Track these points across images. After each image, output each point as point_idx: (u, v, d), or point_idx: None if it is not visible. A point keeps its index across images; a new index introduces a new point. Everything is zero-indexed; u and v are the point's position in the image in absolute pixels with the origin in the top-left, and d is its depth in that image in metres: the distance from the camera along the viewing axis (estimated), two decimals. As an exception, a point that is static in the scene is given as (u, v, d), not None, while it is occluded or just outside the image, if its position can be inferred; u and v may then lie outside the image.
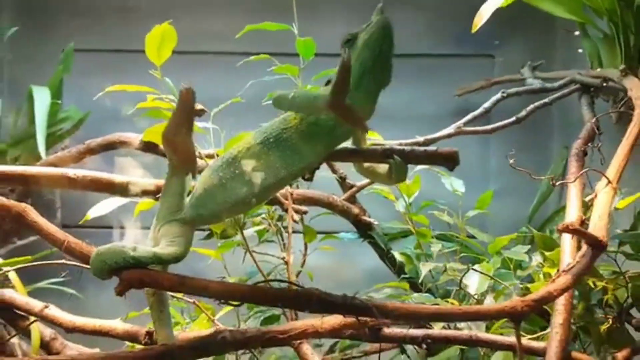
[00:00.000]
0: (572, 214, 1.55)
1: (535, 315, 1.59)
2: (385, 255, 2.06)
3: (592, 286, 1.54)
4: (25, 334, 1.80)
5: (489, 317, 1.23)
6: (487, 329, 1.49)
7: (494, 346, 1.39)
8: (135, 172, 2.26)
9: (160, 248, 1.14)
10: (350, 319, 1.19)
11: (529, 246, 1.80)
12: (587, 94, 2.09)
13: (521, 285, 1.64)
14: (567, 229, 1.28)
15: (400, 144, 1.12)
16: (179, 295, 1.53)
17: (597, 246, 1.30)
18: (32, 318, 1.70)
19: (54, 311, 1.62)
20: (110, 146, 2.12)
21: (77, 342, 1.85)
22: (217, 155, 1.64)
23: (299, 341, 1.36)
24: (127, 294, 1.91)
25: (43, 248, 1.93)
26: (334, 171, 1.97)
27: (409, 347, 1.64)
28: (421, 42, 2.71)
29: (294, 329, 1.21)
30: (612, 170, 1.51)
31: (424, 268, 1.63)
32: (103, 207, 1.57)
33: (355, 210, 1.96)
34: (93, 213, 1.57)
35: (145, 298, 1.26)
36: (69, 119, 2.57)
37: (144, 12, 2.71)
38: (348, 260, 2.49)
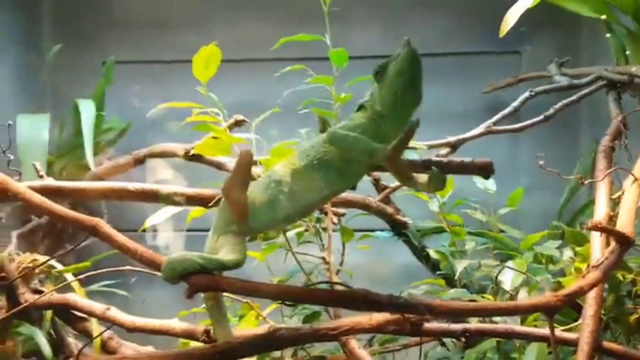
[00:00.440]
0: (601, 211, 1.65)
1: (568, 308, 1.70)
2: (419, 253, 2.17)
3: (622, 279, 1.64)
4: (82, 334, 1.96)
5: (525, 312, 1.34)
6: (522, 322, 1.60)
7: (529, 338, 1.50)
8: (165, 173, 2.42)
9: (223, 256, 1.28)
10: (395, 316, 1.31)
11: (560, 241, 1.90)
12: (614, 90, 2.16)
13: (553, 280, 1.74)
14: (595, 227, 1.39)
15: (439, 155, 1.22)
16: (232, 295, 1.66)
17: (625, 242, 1.41)
18: (91, 319, 1.85)
19: (115, 313, 1.76)
20: (155, 156, 2.26)
21: (133, 341, 2.01)
22: (260, 164, 1.77)
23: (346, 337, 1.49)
24: (171, 296, 2.06)
25: (94, 251, 2.09)
26: (368, 174, 2.08)
27: (448, 340, 1.76)
28: (449, 41, 2.80)
29: (343, 326, 1.34)
30: (639, 168, 1.60)
31: (460, 265, 1.75)
32: (159, 215, 1.71)
33: (390, 210, 2.07)
34: (151, 221, 1.72)
35: (204, 301, 1.37)
36: (112, 130, 2.72)
37: (179, 23, 2.86)
38: (384, 258, 2.60)
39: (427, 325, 1.46)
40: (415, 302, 1.16)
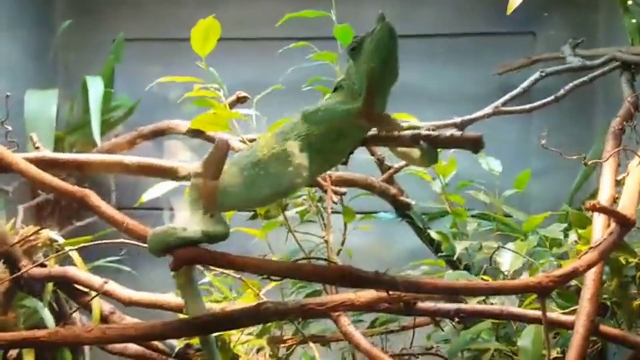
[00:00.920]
0: (605, 193, 1.62)
1: (572, 292, 1.66)
2: (423, 234, 2.15)
3: (625, 263, 1.60)
4: (86, 308, 1.98)
5: (514, 292, 1.31)
6: (520, 305, 1.57)
7: (525, 320, 1.47)
8: (184, 154, 2.42)
9: (207, 228, 1.27)
10: (384, 294, 1.30)
11: (565, 224, 1.86)
12: (628, 72, 2.11)
13: (556, 263, 1.71)
14: (594, 208, 1.35)
15: (429, 128, 1.20)
16: (228, 272, 1.66)
17: (625, 223, 1.37)
18: (93, 293, 1.87)
19: (113, 286, 1.78)
20: (160, 132, 2.26)
21: (133, 317, 2.02)
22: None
23: (337, 313, 1.47)
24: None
25: (99, 229, 2.10)
26: (372, 153, 2.06)
27: (447, 324, 1.74)
28: (462, 22, 2.76)
29: (331, 302, 1.33)
30: (645, 149, 1.56)
31: (459, 246, 1.72)
32: (156, 190, 1.70)
33: (393, 190, 2.05)
34: (147, 196, 1.72)
35: (175, 277, 1.35)
36: (121, 107, 2.73)
37: (187, 2, 2.85)
38: (388, 240, 2.59)
39: (421, 304, 1.44)
40: (402, 279, 1.15)
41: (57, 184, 1.37)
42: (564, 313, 1.54)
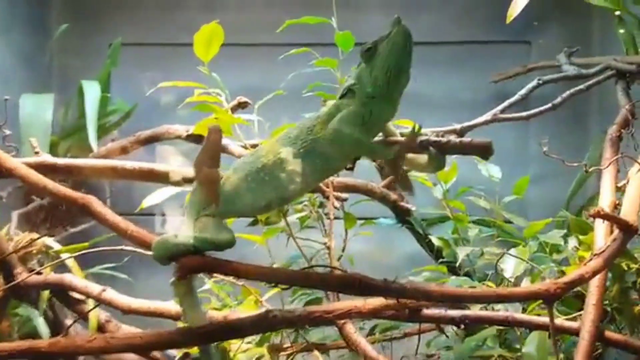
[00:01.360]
0: (606, 199, 1.61)
1: (572, 298, 1.66)
2: (423, 240, 2.14)
3: (626, 269, 1.60)
4: (81, 316, 1.94)
5: (522, 299, 1.30)
6: (524, 311, 1.56)
7: (530, 326, 1.46)
8: (176, 160, 2.39)
9: (213, 236, 1.24)
10: (391, 301, 1.28)
11: (565, 230, 1.86)
12: (623, 80, 2.12)
13: (556, 269, 1.70)
14: (598, 214, 1.35)
15: (436, 133, 1.19)
16: (229, 278, 1.64)
17: (628, 230, 1.37)
18: (90, 301, 1.83)
19: (111, 294, 1.74)
20: (158, 137, 2.23)
21: (130, 324, 1.99)
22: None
23: (342, 321, 1.45)
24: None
25: (94, 235, 2.06)
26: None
27: (449, 330, 1.73)
28: (457, 29, 2.76)
29: (338, 309, 1.31)
30: (645, 156, 1.56)
31: (462, 252, 1.71)
32: (157, 196, 1.68)
33: (394, 196, 2.04)
34: (147, 202, 1.69)
35: (174, 285, 1.30)
36: (117, 112, 2.69)
37: (188, 6, 2.83)
38: (387, 245, 2.57)
39: (426, 311, 1.42)
40: (411, 286, 1.13)
41: (59, 190, 1.34)
42: (568, 319, 1.53)
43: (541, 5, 2.30)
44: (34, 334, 1.88)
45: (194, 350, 1.69)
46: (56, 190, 1.35)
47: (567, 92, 2.10)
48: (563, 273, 1.66)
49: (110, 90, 2.69)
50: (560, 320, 1.47)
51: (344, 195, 1.88)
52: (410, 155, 1.26)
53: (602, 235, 1.50)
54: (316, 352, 1.60)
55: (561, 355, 1.55)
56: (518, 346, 1.56)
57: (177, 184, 1.80)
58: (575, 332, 1.40)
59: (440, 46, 2.75)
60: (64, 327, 1.97)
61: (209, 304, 1.88)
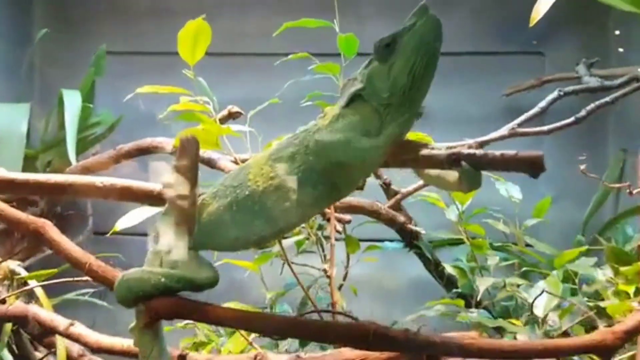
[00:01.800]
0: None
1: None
2: (432, 267, 1.86)
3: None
4: (51, 351, 1.67)
5: (574, 352, 1.02)
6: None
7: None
8: (170, 175, 2.11)
9: (191, 272, 0.96)
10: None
11: (596, 258, 1.59)
12: (651, 92, 1.88)
13: (590, 304, 1.43)
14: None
15: (471, 146, 0.92)
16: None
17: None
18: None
19: (79, 329, 1.46)
20: (142, 151, 1.97)
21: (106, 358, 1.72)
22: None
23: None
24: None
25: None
26: (377, 177, 1.78)
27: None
28: (467, 40, 2.51)
29: (343, 358, 1.03)
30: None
31: (482, 284, 1.44)
32: (133, 217, 1.40)
33: (401, 218, 1.77)
34: (122, 224, 1.41)
35: (136, 334, 1.02)
36: (102, 124, 2.44)
37: (177, 14, 2.56)
38: (392, 272, 2.30)
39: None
40: (440, 339, 0.85)
41: (8, 212, 1.05)
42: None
43: (554, 16, 2.07)
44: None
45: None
46: (4, 213, 1.06)
47: (592, 105, 1.85)
48: (598, 309, 1.39)
49: (94, 100, 2.43)
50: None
51: (347, 216, 1.60)
52: (435, 172, 0.99)
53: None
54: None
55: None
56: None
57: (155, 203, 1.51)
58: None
59: (449, 57, 2.48)
60: (31, 360, 1.70)
61: (191, 337, 1.61)
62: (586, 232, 2.21)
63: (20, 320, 1.53)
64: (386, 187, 1.80)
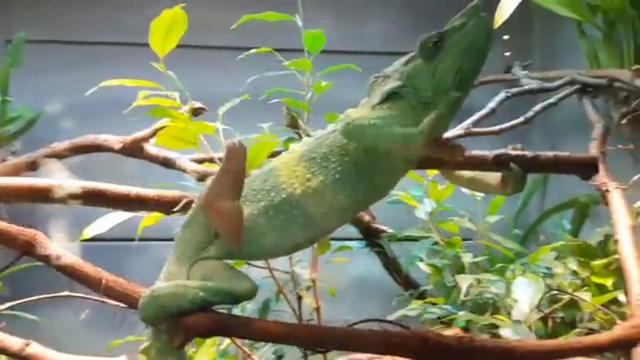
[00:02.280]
0: (622, 221, 1.39)
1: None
2: (392, 265, 1.84)
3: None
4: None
5: (606, 349, 1.02)
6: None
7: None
8: (61, 175, 1.92)
9: (229, 284, 0.86)
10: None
11: (555, 252, 1.64)
12: (587, 94, 1.97)
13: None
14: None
15: (516, 147, 0.89)
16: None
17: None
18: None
19: (36, 349, 1.28)
20: (83, 150, 1.78)
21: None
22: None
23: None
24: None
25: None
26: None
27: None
28: (402, 40, 2.52)
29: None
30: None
31: (463, 282, 1.43)
32: (103, 223, 1.24)
33: (367, 217, 1.73)
34: (91, 231, 1.24)
35: (148, 354, 0.90)
36: (19, 119, 2.19)
37: (110, 1, 2.35)
38: (335, 269, 2.26)
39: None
40: (494, 344, 0.81)
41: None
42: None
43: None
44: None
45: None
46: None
47: (539, 106, 1.88)
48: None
49: (9, 93, 2.17)
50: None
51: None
52: (469, 174, 0.96)
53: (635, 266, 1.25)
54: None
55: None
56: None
57: (62, 200, 1.34)
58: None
59: (387, 57, 2.48)
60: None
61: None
62: (517, 226, 2.30)
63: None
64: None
